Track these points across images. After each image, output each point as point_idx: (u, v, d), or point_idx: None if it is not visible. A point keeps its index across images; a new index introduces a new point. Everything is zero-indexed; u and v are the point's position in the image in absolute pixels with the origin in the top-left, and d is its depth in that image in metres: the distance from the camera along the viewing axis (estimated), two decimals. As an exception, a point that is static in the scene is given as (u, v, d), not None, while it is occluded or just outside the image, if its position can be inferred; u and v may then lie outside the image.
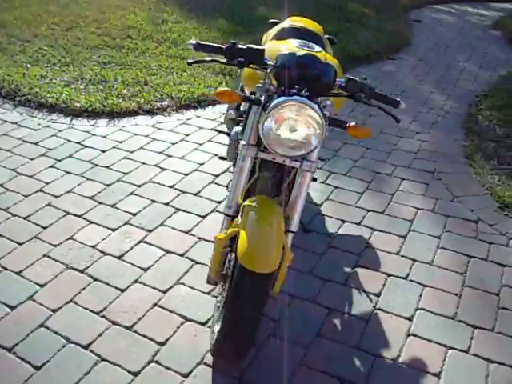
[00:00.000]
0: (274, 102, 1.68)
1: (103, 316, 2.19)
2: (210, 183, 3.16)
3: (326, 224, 2.84)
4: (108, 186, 3.08)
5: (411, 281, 2.48)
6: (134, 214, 2.84)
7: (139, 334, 2.12)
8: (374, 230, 2.83)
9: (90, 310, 2.22)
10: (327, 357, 2.06)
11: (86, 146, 3.50)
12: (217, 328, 1.98)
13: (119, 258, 2.53)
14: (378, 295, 2.39)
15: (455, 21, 7.89)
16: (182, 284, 2.39)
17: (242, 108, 2.90)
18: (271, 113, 1.68)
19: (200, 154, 3.50)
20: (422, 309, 2.32)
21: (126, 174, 3.21)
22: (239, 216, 1.86)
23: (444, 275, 2.52)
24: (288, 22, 2.81)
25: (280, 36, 2.67)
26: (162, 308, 2.25)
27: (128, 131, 3.74)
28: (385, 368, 2.03)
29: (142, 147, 3.53)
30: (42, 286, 2.33)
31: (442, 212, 3.00)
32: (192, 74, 4.72)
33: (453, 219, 2.94)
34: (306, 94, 1.69)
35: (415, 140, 3.87)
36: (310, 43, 2.19)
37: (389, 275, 2.51)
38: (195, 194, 3.05)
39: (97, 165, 3.29)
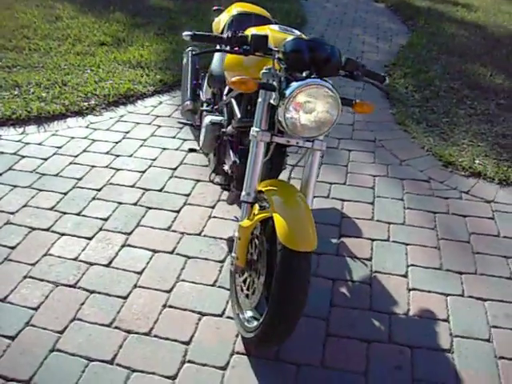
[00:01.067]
0: (294, 86, 1.70)
1: (116, 327, 2.09)
2: (170, 177, 3.09)
3: (297, 201, 2.92)
4: (65, 194, 2.89)
5: (394, 242, 2.65)
6: (106, 219, 2.71)
7: (161, 338, 2.05)
8: (344, 200, 2.96)
9: (100, 324, 2.10)
10: (349, 323, 2.15)
11: (24, 156, 3.23)
12: (248, 314, 1.99)
13: (108, 265, 2.41)
14: (370, 259, 2.53)
15: (339, -3, 8.28)
16: (183, 281, 2.34)
17: (203, 97, 2.88)
18: (291, 97, 1.71)
19: (148, 149, 3.39)
20: (412, 265, 2.50)
21: (79, 179, 3.03)
22: (258, 203, 1.88)
23: (419, 232, 2.73)
24: (239, 9, 2.81)
25: (239, 23, 2.67)
26: (173, 307, 2.20)
27: (63, 135, 3.51)
28: (401, 323, 2.17)
29: (84, 150, 3.34)
30: (35, 308, 2.15)
31: (396, 176, 3.22)
32: (108, 69, 4.51)
33: (407, 181, 3.16)
34: (317, 76, 1.74)
35: (347, 113, 4.07)
36: (289, 28, 2.22)
37: (372, 240, 2.66)
38: (160, 190, 2.97)
39: (44, 174, 3.06)
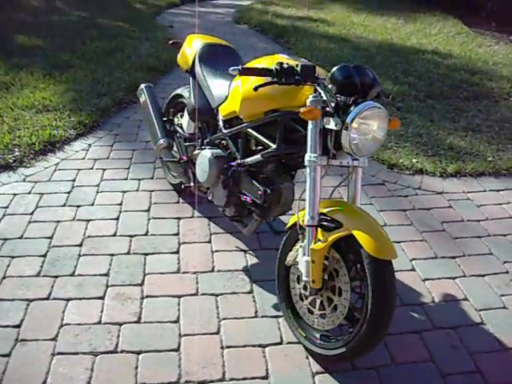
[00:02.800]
0: (358, 109, 1.82)
1: (187, 381, 1.98)
2: (148, 220, 2.96)
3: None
4: (44, 256, 2.62)
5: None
6: (107, 274, 2.51)
7: (239, 380, 1.99)
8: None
9: (169, 383, 1.97)
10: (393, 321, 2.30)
11: (-30, 225, 2.84)
12: (318, 334, 2.03)
13: (138, 322, 2.25)
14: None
15: (202, 21, 8.48)
16: (225, 319, 2.28)
17: (184, 132, 2.82)
18: (355, 120, 1.82)
19: (107, 194, 3.20)
20: (414, 259, 2.73)
21: (50, 237, 2.76)
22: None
23: (403, 230, 2.98)
24: (204, 41, 2.82)
25: (209, 54, 2.70)
26: (232, 347, 2.14)
27: (2, 193, 3.15)
28: (434, 310, 2.38)
29: (37, 206, 3.04)
30: (88, 384, 1.95)
31: (354, 182, 3.47)
32: (13, 117, 4.13)
33: (367, 186, 3.42)
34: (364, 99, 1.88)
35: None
36: (295, 55, 2.32)
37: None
38: (146, 235, 2.83)
39: (6, 239, 2.73)
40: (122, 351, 2.10)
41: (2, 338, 2.12)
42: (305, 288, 2.03)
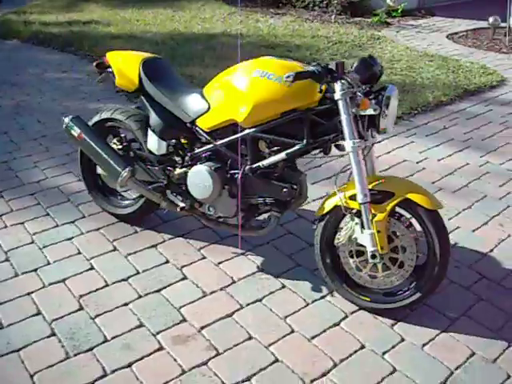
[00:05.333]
0: (388, 94, 2.13)
1: (313, 380, 2.04)
2: (127, 257, 2.71)
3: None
4: (53, 335, 2.23)
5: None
6: (141, 325, 2.29)
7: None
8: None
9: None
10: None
11: None
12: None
13: (218, 354, 2.16)
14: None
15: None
16: (289, 315, 2.35)
17: (155, 154, 2.64)
18: (388, 102, 2.10)
19: (55, 247, 2.79)
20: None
21: (38, 313, 2.34)
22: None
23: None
24: (138, 57, 2.69)
25: (154, 70, 2.66)
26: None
27: None
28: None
29: (-16, 288, 2.51)
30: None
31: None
32: None
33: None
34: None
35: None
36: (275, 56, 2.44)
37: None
38: (139, 273, 2.62)
39: (-11, 335, 2.23)
40: None
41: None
42: (373, 257, 2.23)
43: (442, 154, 3.90)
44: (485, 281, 2.59)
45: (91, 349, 2.16)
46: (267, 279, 2.58)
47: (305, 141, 2.25)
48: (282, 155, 2.31)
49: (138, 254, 2.75)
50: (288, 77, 2.04)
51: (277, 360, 2.13)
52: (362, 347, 2.20)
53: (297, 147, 2.28)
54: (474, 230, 2.98)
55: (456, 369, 2.11)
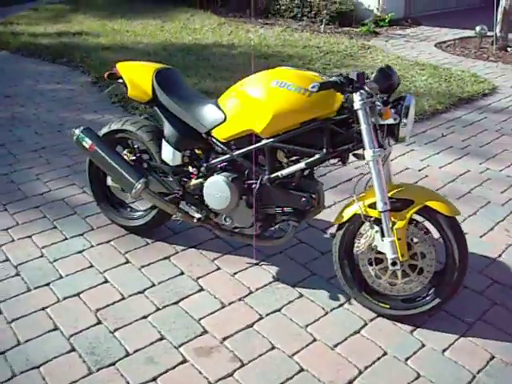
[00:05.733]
0: (407, 104, 2.17)
1: None
2: (140, 269, 2.69)
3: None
4: (73, 350, 2.19)
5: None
6: (162, 338, 2.27)
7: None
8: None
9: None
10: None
11: None
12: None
13: (242, 365, 2.15)
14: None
15: None
16: (311, 324, 2.36)
17: (170, 164, 2.62)
18: (407, 112, 2.14)
19: (66, 261, 2.76)
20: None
21: (55, 329, 2.31)
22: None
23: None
24: (151, 67, 2.69)
25: (167, 80, 2.65)
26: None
27: None
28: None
29: (-2, 303, 2.47)
30: None
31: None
32: None
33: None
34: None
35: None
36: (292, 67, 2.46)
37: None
38: (154, 285, 2.60)
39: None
40: None
41: None
42: (394, 264, 2.25)
43: (442, 161, 3.96)
44: (497, 285, 2.63)
45: (114, 363, 2.14)
46: (284, 289, 2.58)
47: (324, 150, 2.27)
48: (302, 165, 2.33)
49: (152, 266, 2.74)
50: (313, 87, 2.06)
51: (302, 369, 2.13)
52: (385, 354, 2.22)
53: (316, 157, 2.29)
54: (481, 236, 3.03)
55: (478, 372, 2.14)
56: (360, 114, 2.16)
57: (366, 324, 2.37)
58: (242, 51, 6.81)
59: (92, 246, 2.89)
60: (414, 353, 2.23)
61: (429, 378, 2.11)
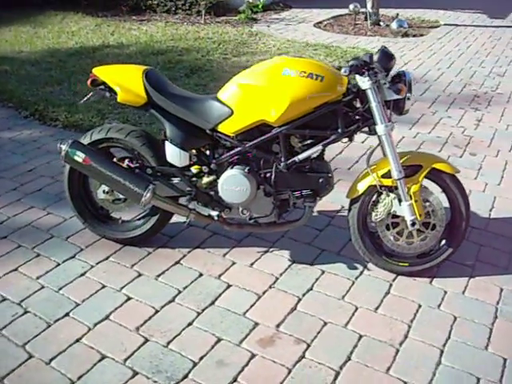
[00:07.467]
0: (408, 79, 2.37)
1: (402, 344, 2.22)
2: (155, 279, 2.62)
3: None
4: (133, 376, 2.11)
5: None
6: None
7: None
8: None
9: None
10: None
11: None
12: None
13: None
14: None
15: None
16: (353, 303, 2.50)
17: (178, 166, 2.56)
18: (409, 85, 2.36)
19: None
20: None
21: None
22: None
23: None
24: (138, 69, 2.63)
25: (156, 81, 2.59)
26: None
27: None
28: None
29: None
30: None
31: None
32: None
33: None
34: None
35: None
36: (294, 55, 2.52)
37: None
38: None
39: (64, 391, 2.02)
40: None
41: None
42: (413, 224, 2.46)
43: (376, 130, 4.30)
44: (475, 230, 3.00)
45: (186, 375, 2.09)
46: (305, 268, 2.69)
47: (340, 130, 2.41)
48: (319, 147, 2.44)
49: (167, 273, 2.67)
50: (345, 71, 2.21)
51: (361, 336, 2.28)
52: (419, 306, 2.45)
53: (332, 137, 2.42)
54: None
55: (497, 303, 2.46)
56: (369, 92, 2.33)
57: (391, 285, 2.58)
58: (136, 50, 6.60)
59: (92, 267, 2.73)
60: (442, 299, 2.49)
61: (464, 317, 2.38)
